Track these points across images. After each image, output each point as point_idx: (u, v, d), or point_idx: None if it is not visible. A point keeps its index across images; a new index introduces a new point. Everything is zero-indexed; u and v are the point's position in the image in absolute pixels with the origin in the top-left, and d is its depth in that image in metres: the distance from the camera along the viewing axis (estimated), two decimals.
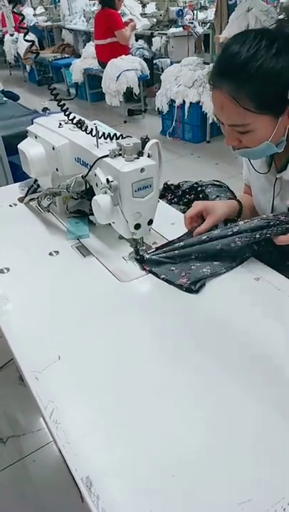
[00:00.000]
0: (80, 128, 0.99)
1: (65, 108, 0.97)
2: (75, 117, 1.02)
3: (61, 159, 1.05)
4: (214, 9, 4.21)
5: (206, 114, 3.83)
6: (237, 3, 3.55)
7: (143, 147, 0.90)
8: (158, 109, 4.25)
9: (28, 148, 1.12)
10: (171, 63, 4.69)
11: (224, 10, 3.62)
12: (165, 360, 0.75)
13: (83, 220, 1.16)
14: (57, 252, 1.05)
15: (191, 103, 3.89)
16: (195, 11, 5.70)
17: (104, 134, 0.97)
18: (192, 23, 5.08)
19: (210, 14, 5.60)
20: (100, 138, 0.96)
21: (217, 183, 1.32)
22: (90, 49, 5.38)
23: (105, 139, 0.97)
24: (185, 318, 0.84)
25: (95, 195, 0.94)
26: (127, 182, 0.87)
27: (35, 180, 1.27)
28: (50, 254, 1.04)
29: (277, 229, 0.91)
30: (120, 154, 0.89)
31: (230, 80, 0.87)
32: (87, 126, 0.98)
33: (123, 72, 4.55)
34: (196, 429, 0.63)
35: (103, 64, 4.82)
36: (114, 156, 0.89)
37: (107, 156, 0.90)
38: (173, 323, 0.83)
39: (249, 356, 0.75)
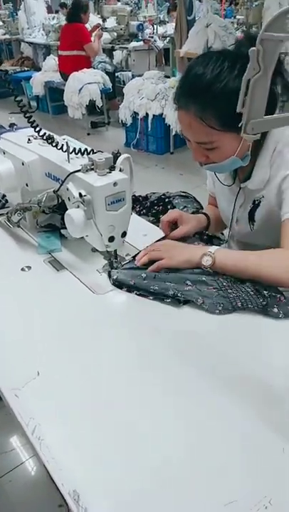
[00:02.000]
0: (51, 143, 1.00)
1: (35, 125, 0.97)
2: (45, 133, 1.03)
3: (31, 175, 1.05)
4: (174, 24, 4.31)
5: (169, 126, 3.90)
6: (196, 18, 3.66)
7: (114, 162, 0.92)
8: (121, 121, 4.29)
9: None
10: (133, 76, 4.76)
11: (184, 25, 3.72)
12: (145, 369, 0.76)
13: (54, 234, 1.15)
14: (29, 268, 1.04)
15: (154, 115, 3.96)
16: (155, 26, 5.81)
17: (75, 149, 0.98)
18: (152, 37, 5.19)
19: (169, 28, 5.72)
20: (70, 153, 0.97)
21: (184, 194, 1.35)
22: (50, 62, 5.38)
23: (76, 154, 0.98)
24: (163, 329, 0.85)
25: (66, 209, 0.95)
26: (101, 196, 0.89)
27: (3, 196, 1.26)
28: (23, 269, 1.04)
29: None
30: (92, 169, 0.91)
31: (196, 101, 0.91)
32: (58, 142, 0.99)
33: (85, 85, 4.57)
34: (179, 435, 0.64)
35: (65, 75, 4.82)
36: (87, 170, 0.91)
37: (79, 170, 0.91)
38: (150, 333, 0.84)
39: (230, 362, 0.77)
